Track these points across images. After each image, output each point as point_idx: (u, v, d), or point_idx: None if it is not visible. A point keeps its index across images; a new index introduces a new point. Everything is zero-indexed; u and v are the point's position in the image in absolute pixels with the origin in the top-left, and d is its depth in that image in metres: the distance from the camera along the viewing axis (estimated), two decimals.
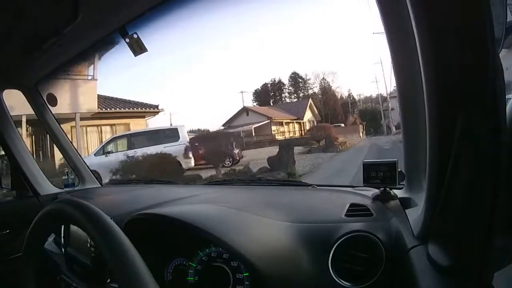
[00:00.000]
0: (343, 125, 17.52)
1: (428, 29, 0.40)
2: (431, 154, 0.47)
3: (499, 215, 0.41)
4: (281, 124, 17.36)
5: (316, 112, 20.30)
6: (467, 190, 0.43)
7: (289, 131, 17.30)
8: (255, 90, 24.58)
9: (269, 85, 25.33)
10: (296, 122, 18.36)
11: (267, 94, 24.32)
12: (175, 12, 0.90)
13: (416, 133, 0.66)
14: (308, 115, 18.91)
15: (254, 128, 15.40)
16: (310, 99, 20.56)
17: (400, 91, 0.69)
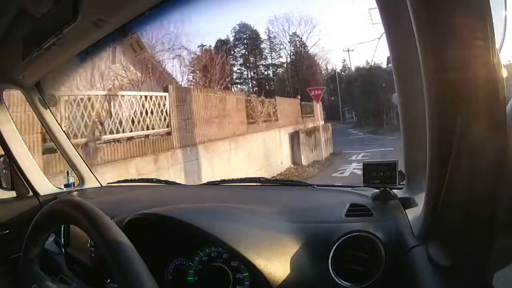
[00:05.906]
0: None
1: (428, 29, 0.40)
2: (431, 154, 0.47)
3: (499, 215, 0.41)
4: None
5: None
6: (467, 190, 0.43)
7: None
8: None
9: (212, 48, 13.96)
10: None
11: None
12: (175, 12, 0.89)
13: (416, 133, 0.66)
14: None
15: None
16: None
17: (400, 91, 0.69)
